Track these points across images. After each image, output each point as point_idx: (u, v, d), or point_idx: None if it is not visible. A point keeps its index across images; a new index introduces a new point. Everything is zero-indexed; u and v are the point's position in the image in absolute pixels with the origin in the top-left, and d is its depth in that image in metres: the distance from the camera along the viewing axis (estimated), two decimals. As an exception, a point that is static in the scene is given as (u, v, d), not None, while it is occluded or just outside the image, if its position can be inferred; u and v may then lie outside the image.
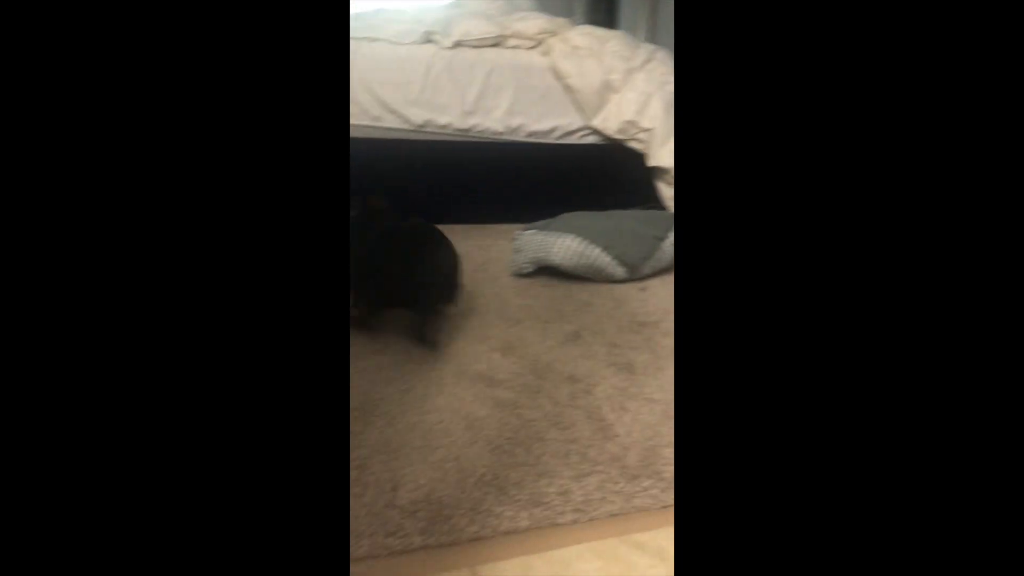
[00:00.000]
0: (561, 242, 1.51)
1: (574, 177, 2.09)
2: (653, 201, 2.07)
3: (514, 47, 2.05)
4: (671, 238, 1.60)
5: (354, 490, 0.78)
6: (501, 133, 2.00)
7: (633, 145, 2.02)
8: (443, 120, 1.93)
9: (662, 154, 2.01)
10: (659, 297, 1.49)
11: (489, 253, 1.76)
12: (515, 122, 2.00)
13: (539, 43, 2.07)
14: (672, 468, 0.84)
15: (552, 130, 2.05)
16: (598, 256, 1.51)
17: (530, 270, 1.56)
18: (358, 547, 0.70)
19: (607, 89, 2.00)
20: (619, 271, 1.54)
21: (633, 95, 2.00)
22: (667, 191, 2.07)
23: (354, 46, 1.85)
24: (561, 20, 2.17)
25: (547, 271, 1.58)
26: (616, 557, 0.71)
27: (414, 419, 0.94)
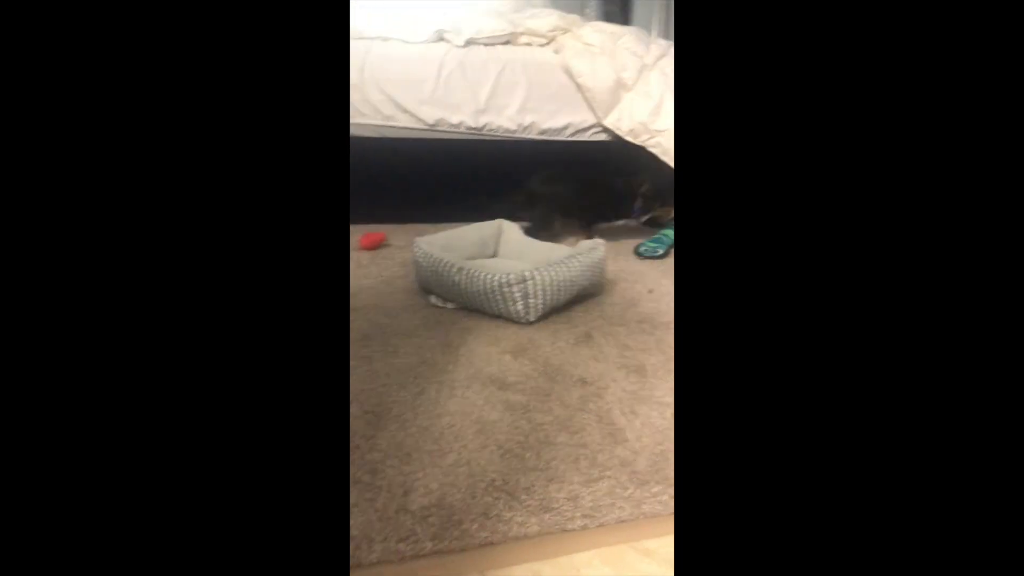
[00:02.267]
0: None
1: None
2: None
3: (526, 44, 2.04)
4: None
5: (366, 495, 0.79)
6: (513, 131, 2.00)
7: (648, 147, 2.00)
8: (455, 119, 1.94)
9: None
10: (670, 297, 1.48)
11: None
12: (527, 120, 1.99)
13: (551, 40, 2.06)
14: (682, 474, 0.85)
15: (565, 128, 2.04)
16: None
17: None
18: (371, 552, 0.71)
19: (620, 87, 1.98)
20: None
21: (646, 95, 1.98)
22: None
23: (366, 45, 1.85)
24: (573, 17, 2.16)
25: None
26: (625, 564, 0.72)
27: (426, 423, 0.95)
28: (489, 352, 1.18)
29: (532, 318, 1.29)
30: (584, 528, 0.77)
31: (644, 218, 2.00)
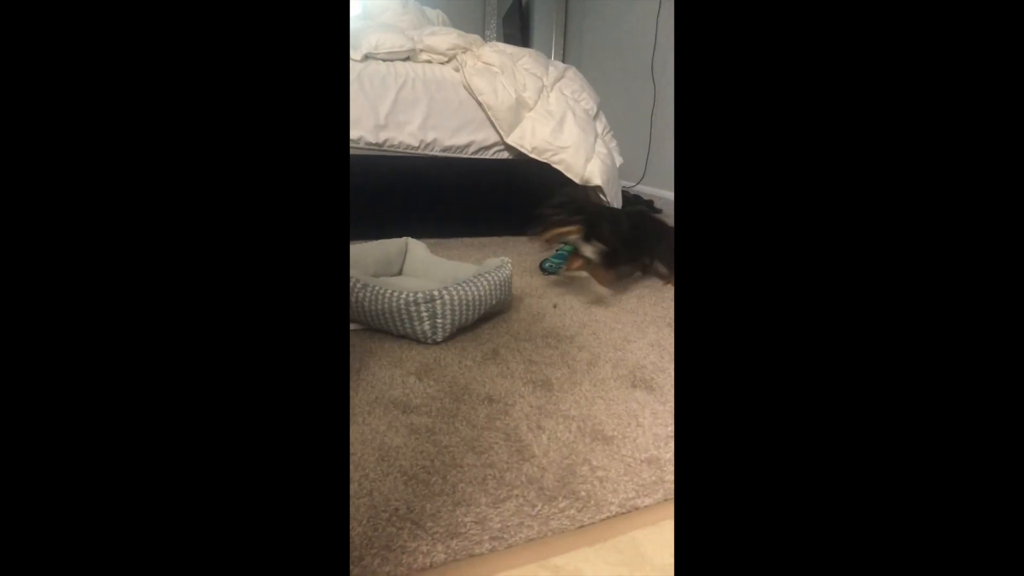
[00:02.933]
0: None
1: (493, 191, 2.10)
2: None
3: (426, 61, 2.04)
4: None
5: (255, 538, 0.73)
6: (415, 147, 1.97)
7: (552, 163, 2.05)
8: (355, 134, 1.88)
9: (591, 170, 2.05)
10: (574, 311, 1.52)
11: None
12: (429, 136, 1.98)
13: (451, 59, 2.06)
14: (587, 487, 0.85)
15: (468, 145, 2.04)
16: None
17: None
18: (259, 601, 0.65)
19: (521, 106, 2.03)
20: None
21: (547, 113, 2.04)
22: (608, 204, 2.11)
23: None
24: (474, 36, 2.18)
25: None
26: (534, 584, 0.71)
27: (323, 453, 0.89)
28: (392, 375, 1.14)
29: (439, 338, 1.27)
30: (492, 551, 0.75)
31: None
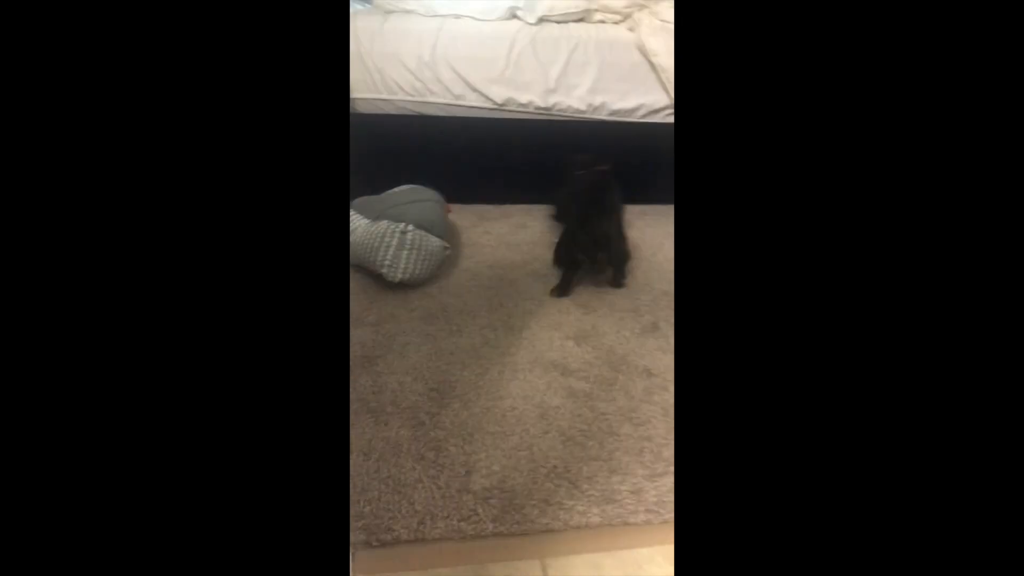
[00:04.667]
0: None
1: (658, 157, 2.02)
2: None
3: (600, 21, 1.98)
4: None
5: (430, 472, 0.81)
6: (583, 111, 1.95)
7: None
8: (524, 98, 1.91)
9: None
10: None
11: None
12: (598, 100, 1.94)
13: (626, 17, 1.98)
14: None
15: (636, 109, 1.97)
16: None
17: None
18: (434, 528, 0.72)
19: (697, 66, 1.90)
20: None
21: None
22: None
23: (438, 23, 1.85)
24: (651, -9, 2.07)
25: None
26: (689, 563, 0.70)
27: (488, 404, 0.95)
28: (552, 336, 1.17)
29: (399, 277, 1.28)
30: (647, 523, 0.75)
31: None
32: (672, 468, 0.83)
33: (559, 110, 1.94)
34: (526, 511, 0.75)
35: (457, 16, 1.92)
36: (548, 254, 1.53)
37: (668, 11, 1.95)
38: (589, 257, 1.37)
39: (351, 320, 1.18)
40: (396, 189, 1.59)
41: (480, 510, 0.75)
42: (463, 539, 0.72)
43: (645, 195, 2.11)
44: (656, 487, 0.80)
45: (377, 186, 1.59)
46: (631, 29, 1.95)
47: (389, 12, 1.92)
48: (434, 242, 1.35)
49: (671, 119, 2.00)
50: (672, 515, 0.76)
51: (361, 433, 0.87)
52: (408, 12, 1.92)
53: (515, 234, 1.74)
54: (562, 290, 1.35)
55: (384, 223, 1.33)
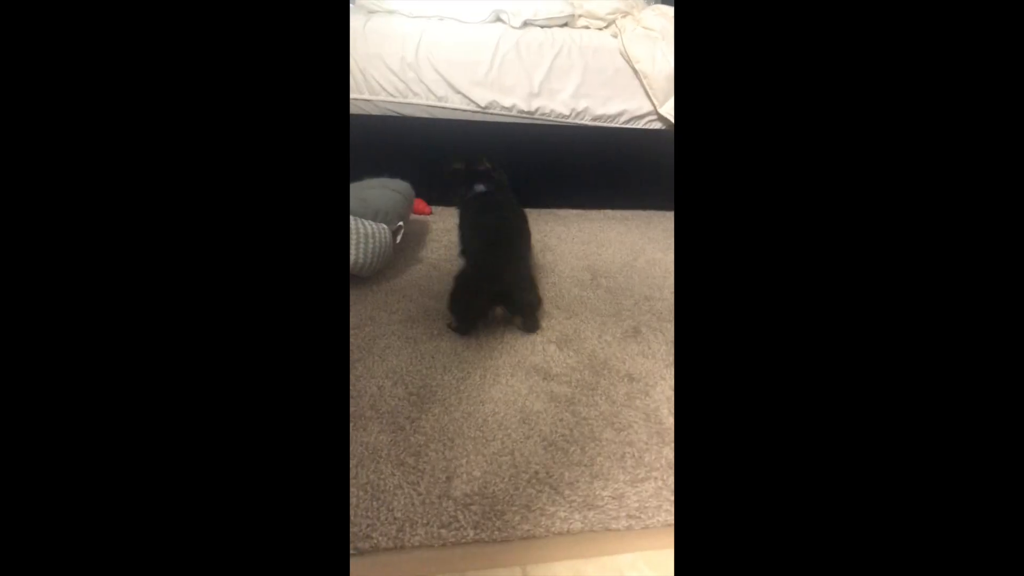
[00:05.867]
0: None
1: (640, 163, 2.03)
2: None
3: (584, 27, 1.99)
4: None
5: (410, 478, 0.79)
6: (566, 116, 1.96)
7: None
8: (508, 102, 1.90)
9: None
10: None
11: (547, 240, 1.74)
12: (581, 105, 1.95)
13: (610, 23, 2.00)
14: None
15: (619, 114, 1.98)
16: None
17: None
18: (413, 535, 0.71)
19: (679, 73, 1.91)
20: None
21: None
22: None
23: (422, 25, 1.84)
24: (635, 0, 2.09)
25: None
26: (670, 570, 0.70)
27: (470, 408, 0.94)
28: (533, 340, 1.16)
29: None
30: (629, 528, 0.75)
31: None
32: (654, 474, 0.83)
33: (542, 114, 1.95)
34: (507, 517, 0.74)
35: (441, 18, 1.91)
36: (533, 255, 1.53)
37: (651, 18, 1.97)
38: (483, 314, 1.17)
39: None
40: (370, 180, 1.58)
41: (461, 516, 0.74)
42: (443, 546, 0.71)
43: (625, 201, 2.13)
44: (637, 492, 0.80)
45: (358, 187, 1.57)
46: (614, 35, 1.97)
47: (372, 12, 1.91)
48: (380, 231, 1.32)
49: (654, 125, 2.01)
50: (653, 520, 0.76)
51: (339, 438, 0.85)
52: (391, 13, 1.90)
53: (497, 237, 1.73)
54: (461, 331, 1.16)
55: None
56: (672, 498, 0.79)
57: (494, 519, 0.74)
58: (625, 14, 2.00)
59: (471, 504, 0.76)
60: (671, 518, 0.76)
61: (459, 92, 1.88)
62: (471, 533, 0.72)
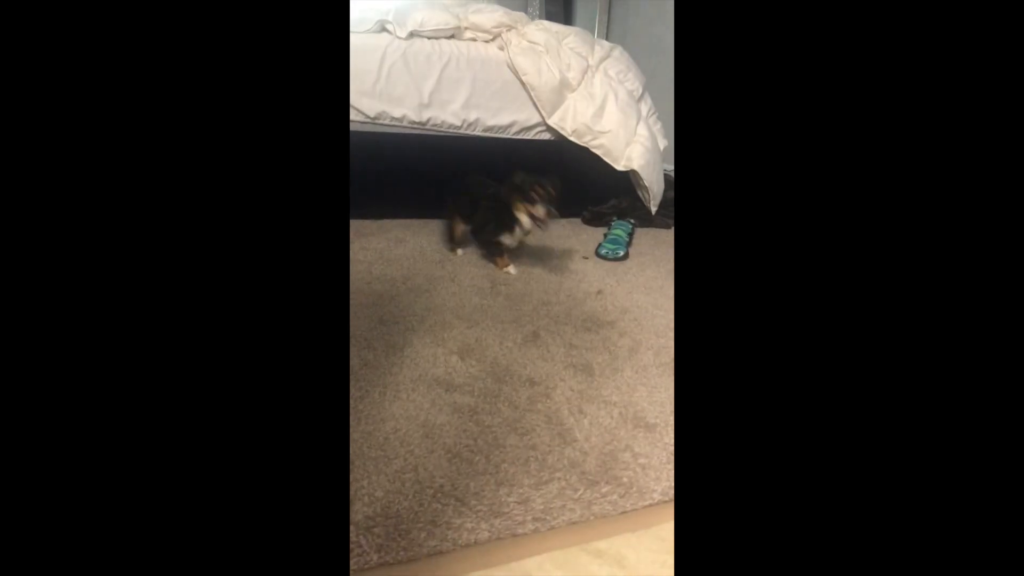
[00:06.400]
0: None
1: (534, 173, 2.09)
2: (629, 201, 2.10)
3: (471, 39, 2.02)
4: None
5: (307, 506, 0.75)
6: (458, 127, 1.97)
7: (591, 148, 2.02)
8: (398, 112, 1.88)
9: (630, 154, 2.02)
10: (615, 297, 1.50)
11: (444, 251, 1.73)
12: (472, 116, 1.97)
13: (495, 37, 2.04)
14: (629, 474, 0.85)
15: (510, 125, 2.02)
16: None
17: None
18: (311, 568, 0.67)
19: (564, 87, 1.99)
20: None
21: (590, 96, 2.00)
22: (644, 193, 2.10)
23: (304, 33, 1.77)
24: (518, 14, 2.15)
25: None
26: (577, 566, 0.71)
27: (369, 428, 0.91)
28: (435, 353, 1.15)
29: None
30: (535, 532, 0.76)
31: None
32: (557, 475, 0.84)
33: (434, 125, 1.94)
34: (412, 535, 0.73)
35: (323, 26, 1.85)
36: (428, 269, 1.51)
37: (535, 33, 2.04)
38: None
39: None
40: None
41: (364, 541, 0.71)
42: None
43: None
44: (542, 495, 0.81)
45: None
46: (501, 48, 2.01)
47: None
48: None
49: (543, 136, 2.08)
50: (558, 521, 0.77)
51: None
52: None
53: (394, 249, 1.70)
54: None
55: None
56: (576, 496, 0.81)
57: (399, 539, 0.72)
58: (510, 28, 2.05)
59: (373, 527, 0.73)
60: (575, 516, 0.78)
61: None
62: (375, 557, 0.69)
